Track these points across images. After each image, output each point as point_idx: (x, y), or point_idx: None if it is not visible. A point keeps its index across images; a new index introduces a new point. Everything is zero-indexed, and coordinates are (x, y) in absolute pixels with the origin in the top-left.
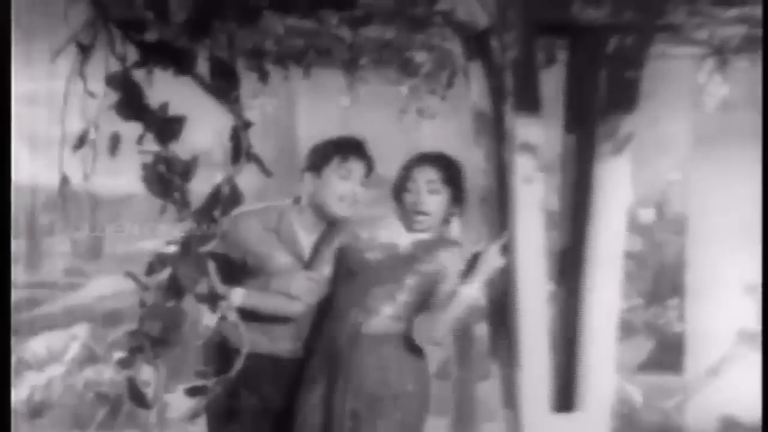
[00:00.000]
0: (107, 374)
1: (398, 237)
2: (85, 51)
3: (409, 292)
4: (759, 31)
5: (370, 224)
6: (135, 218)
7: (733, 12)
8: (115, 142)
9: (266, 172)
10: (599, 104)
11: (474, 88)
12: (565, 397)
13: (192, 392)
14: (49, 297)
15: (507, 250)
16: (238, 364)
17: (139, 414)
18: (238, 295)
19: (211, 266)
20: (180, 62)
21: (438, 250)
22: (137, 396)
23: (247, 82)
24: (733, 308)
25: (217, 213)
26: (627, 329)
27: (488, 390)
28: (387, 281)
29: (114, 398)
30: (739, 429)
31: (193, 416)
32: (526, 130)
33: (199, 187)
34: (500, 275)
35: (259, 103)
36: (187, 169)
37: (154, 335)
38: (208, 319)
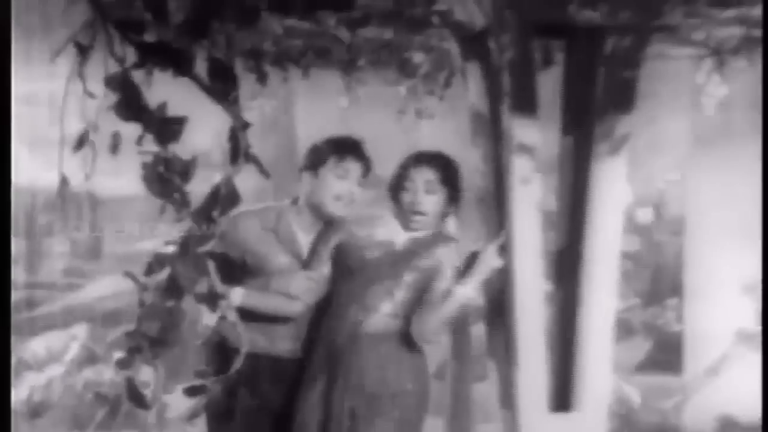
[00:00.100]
0: (107, 375)
1: (395, 235)
2: (84, 52)
3: (407, 288)
4: (756, 32)
5: (367, 223)
6: (134, 219)
7: (729, 13)
8: (115, 143)
9: (264, 172)
10: (596, 105)
11: (471, 89)
12: (562, 397)
13: (191, 392)
14: (48, 297)
15: (504, 250)
16: (237, 364)
17: (138, 414)
18: (237, 295)
19: (211, 266)
20: (178, 63)
21: (435, 247)
22: (136, 396)
23: (246, 83)
24: (731, 308)
25: (215, 213)
26: (625, 329)
27: (485, 390)
28: (385, 278)
29: (113, 398)
30: (738, 429)
31: (192, 416)
32: (523, 130)
33: (199, 188)
34: (497, 275)
35: (257, 104)
36: (186, 170)
37: (152, 335)
38: (208, 319)
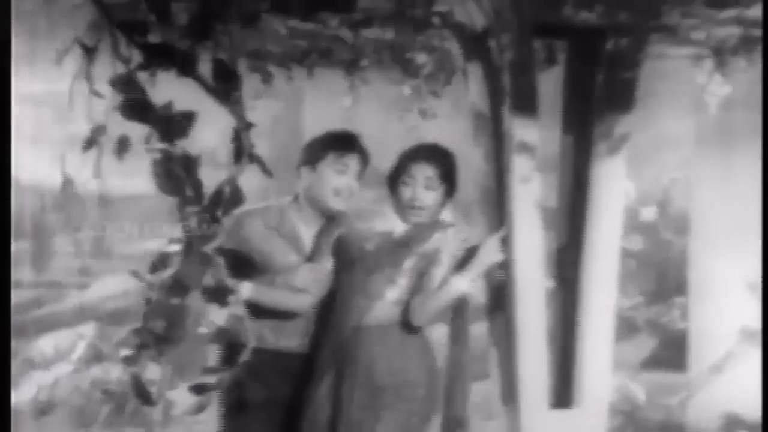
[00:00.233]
0: (114, 373)
1: (394, 226)
2: (89, 53)
3: (409, 274)
4: (754, 32)
5: (366, 216)
6: (140, 218)
7: (727, 13)
8: (122, 143)
9: (267, 172)
10: (596, 105)
11: (472, 89)
12: (563, 394)
13: (197, 389)
14: (55, 296)
15: (505, 244)
16: (244, 360)
17: (144, 411)
18: (246, 289)
19: (221, 262)
20: (183, 64)
21: (432, 232)
22: (142, 393)
23: (251, 83)
24: (736, 306)
25: (219, 212)
26: (630, 327)
27: (487, 388)
28: (385, 266)
29: (119, 396)
30: (742, 426)
31: (198, 410)
32: (523, 130)
33: (205, 186)
34: (498, 272)
35: (262, 104)
36: (194, 166)
37: (158, 333)
38: (216, 316)
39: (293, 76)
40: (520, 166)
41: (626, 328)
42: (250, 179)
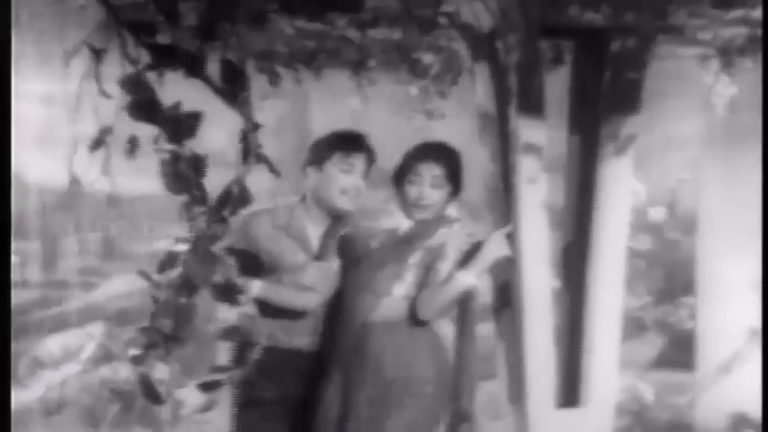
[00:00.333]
0: (122, 372)
1: (399, 223)
2: (98, 54)
3: (415, 269)
4: (760, 33)
5: (372, 215)
6: (148, 218)
7: (733, 14)
8: (132, 143)
9: (275, 172)
10: (603, 105)
11: (479, 89)
12: (569, 394)
13: (205, 387)
14: (63, 296)
15: (511, 239)
16: (254, 358)
17: (152, 410)
18: (256, 287)
19: (230, 261)
20: (190, 65)
21: (437, 227)
22: (150, 392)
23: (258, 83)
24: (743, 306)
25: (226, 212)
26: (638, 327)
27: (494, 388)
28: (390, 262)
29: (127, 395)
30: (749, 426)
31: (206, 409)
32: (530, 130)
33: (214, 186)
34: (505, 272)
35: (269, 104)
36: (202, 167)
37: (166, 332)
38: (226, 314)
39: (301, 77)
40: (526, 166)
41: (635, 327)
42: (257, 179)
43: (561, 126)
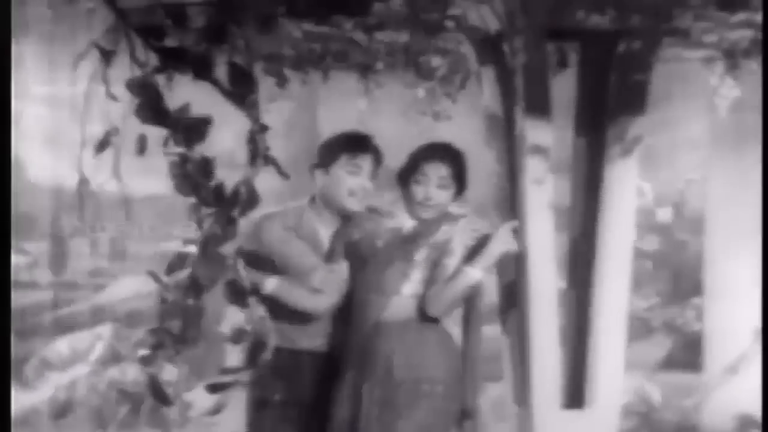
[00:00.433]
0: (131, 373)
1: (404, 222)
2: (106, 56)
3: (422, 267)
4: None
5: (379, 216)
6: (157, 219)
7: (738, 17)
8: (141, 144)
9: (283, 174)
10: (609, 107)
11: (486, 92)
12: (575, 394)
13: (213, 389)
14: (72, 298)
15: (518, 234)
16: (264, 360)
17: (160, 412)
18: (270, 284)
19: (240, 263)
20: (199, 67)
21: (442, 224)
22: (159, 394)
23: (266, 86)
24: (751, 307)
25: (235, 213)
26: (646, 328)
27: (499, 388)
28: (396, 260)
29: (136, 396)
30: (757, 427)
31: (215, 411)
32: (536, 132)
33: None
34: (511, 272)
35: (277, 106)
36: (210, 169)
37: (174, 333)
38: (235, 316)
39: (308, 79)
40: (533, 167)
41: (642, 328)
42: (266, 181)
43: (567, 127)
